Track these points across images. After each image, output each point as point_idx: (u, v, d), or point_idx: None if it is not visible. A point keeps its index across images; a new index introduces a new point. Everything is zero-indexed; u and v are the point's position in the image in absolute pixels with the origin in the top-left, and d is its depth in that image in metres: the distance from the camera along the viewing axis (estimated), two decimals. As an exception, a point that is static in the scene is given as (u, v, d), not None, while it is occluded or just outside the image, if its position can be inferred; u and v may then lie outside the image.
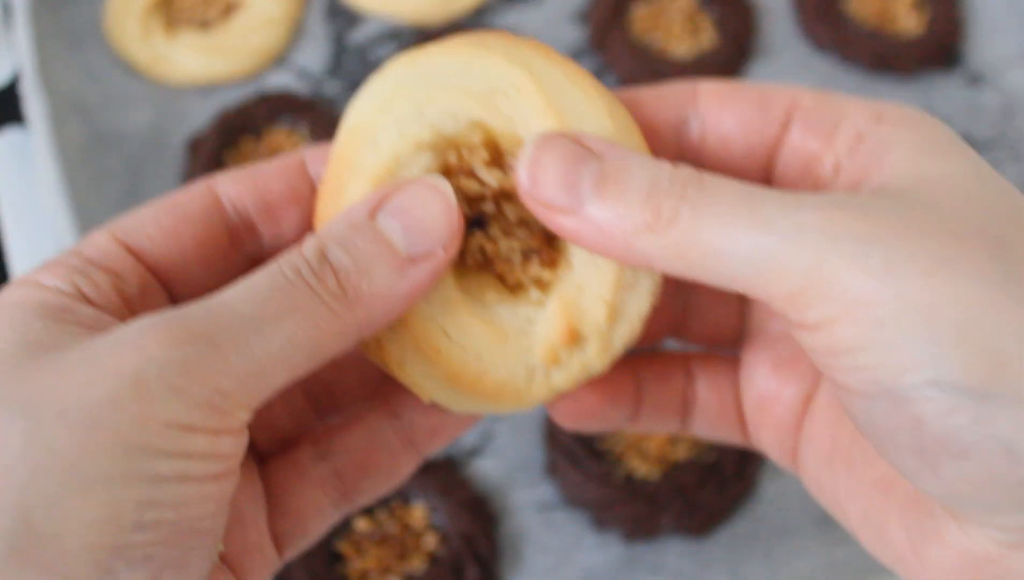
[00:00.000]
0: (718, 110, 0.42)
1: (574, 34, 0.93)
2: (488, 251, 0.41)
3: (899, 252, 0.33)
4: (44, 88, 0.82)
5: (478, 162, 0.41)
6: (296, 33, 0.92)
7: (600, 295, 0.41)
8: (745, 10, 0.92)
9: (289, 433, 0.47)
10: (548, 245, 0.41)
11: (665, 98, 0.43)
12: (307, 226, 0.44)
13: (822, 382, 0.45)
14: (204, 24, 0.92)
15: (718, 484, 0.71)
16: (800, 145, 0.41)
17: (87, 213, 0.79)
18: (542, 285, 0.41)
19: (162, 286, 0.42)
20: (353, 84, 0.90)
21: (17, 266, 0.78)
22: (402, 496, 0.70)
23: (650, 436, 0.72)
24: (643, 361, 0.48)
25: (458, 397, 0.41)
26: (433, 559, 0.69)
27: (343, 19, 0.93)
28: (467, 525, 0.69)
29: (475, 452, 0.73)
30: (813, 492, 0.45)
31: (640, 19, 0.92)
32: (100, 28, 0.91)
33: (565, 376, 0.41)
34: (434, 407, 0.44)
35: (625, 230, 0.37)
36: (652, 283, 0.41)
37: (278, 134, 0.86)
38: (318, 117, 0.86)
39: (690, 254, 0.37)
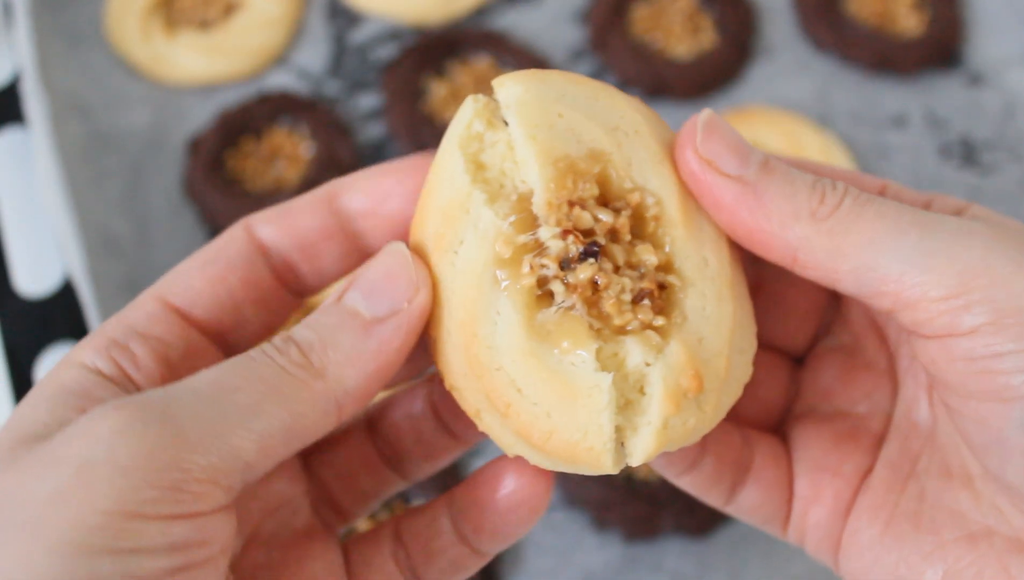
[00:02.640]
0: None
1: (574, 34, 0.93)
2: (601, 284, 0.38)
3: None
4: (44, 88, 0.82)
5: (589, 196, 0.39)
6: (296, 33, 0.92)
7: (718, 350, 0.39)
8: (745, 10, 0.92)
9: (373, 493, 0.47)
10: (661, 291, 0.39)
11: None
12: (346, 261, 0.44)
13: (882, 454, 0.45)
14: (204, 24, 0.92)
15: (718, 484, 0.71)
16: None
17: (87, 213, 0.79)
18: (653, 330, 0.39)
19: (213, 341, 0.42)
20: (353, 84, 0.90)
21: (17, 266, 0.78)
22: (402, 496, 0.70)
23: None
24: None
25: (536, 455, 0.39)
26: (433, 559, 0.69)
27: (343, 19, 0.93)
28: (467, 525, 0.69)
29: (476, 452, 0.73)
30: (859, 575, 0.43)
31: (640, 19, 0.92)
32: (100, 28, 0.91)
33: (680, 431, 0.38)
34: (482, 496, 0.43)
35: (785, 210, 0.38)
36: (753, 352, 0.40)
37: (278, 134, 0.86)
38: (318, 117, 0.86)
39: (847, 242, 0.37)
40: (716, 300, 0.39)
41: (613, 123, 0.39)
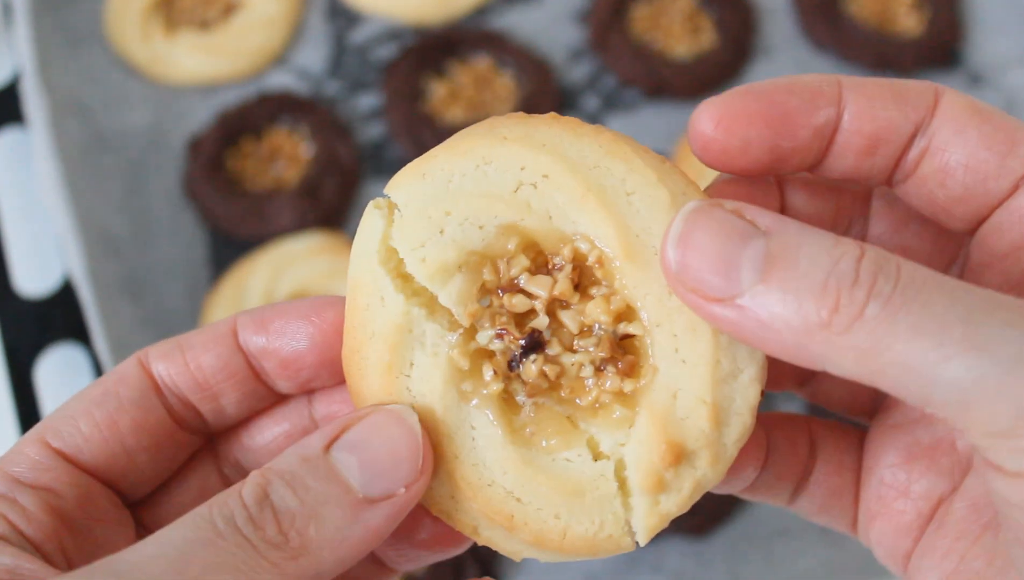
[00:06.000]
0: (954, 136, 0.36)
1: (574, 34, 0.93)
2: (552, 375, 0.35)
3: None
4: (44, 88, 0.82)
5: (519, 272, 0.36)
6: (296, 33, 0.92)
7: (699, 396, 0.34)
8: (745, 10, 0.92)
9: None
10: (623, 350, 0.36)
11: (882, 101, 0.38)
12: (249, 401, 0.40)
13: (964, 486, 0.38)
14: (204, 24, 0.92)
15: (718, 484, 0.71)
16: None
17: (87, 213, 0.79)
18: (625, 398, 0.35)
19: (108, 485, 0.38)
20: (353, 84, 0.90)
21: (17, 266, 0.78)
22: None
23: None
24: (773, 422, 0.41)
25: (549, 554, 0.36)
26: (433, 559, 0.69)
27: (343, 19, 0.93)
28: (467, 525, 0.69)
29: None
30: None
31: (640, 19, 0.92)
32: (100, 28, 0.91)
33: (676, 500, 0.35)
34: None
35: (794, 326, 0.31)
36: (756, 367, 0.35)
37: (278, 134, 0.86)
38: (318, 117, 0.86)
39: (877, 362, 0.30)
40: (689, 331, 0.34)
41: (514, 182, 0.35)
